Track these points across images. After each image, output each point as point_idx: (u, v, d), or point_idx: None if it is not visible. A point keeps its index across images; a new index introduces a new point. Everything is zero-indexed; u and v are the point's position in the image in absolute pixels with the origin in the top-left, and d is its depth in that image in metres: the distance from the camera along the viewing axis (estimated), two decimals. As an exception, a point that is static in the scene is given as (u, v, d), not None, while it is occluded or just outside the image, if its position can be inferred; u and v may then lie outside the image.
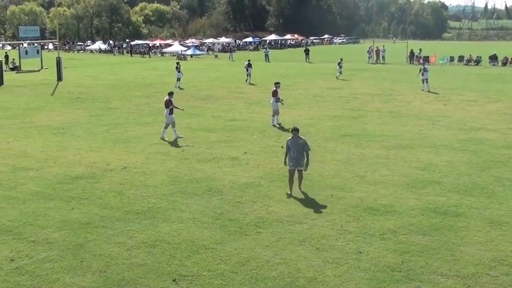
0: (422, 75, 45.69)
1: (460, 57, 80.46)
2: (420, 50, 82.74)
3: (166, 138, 26.42)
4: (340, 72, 55.74)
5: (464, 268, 12.59)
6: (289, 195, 17.63)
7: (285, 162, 18.04)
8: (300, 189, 17.95)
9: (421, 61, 75.11)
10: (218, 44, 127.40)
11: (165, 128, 26.91)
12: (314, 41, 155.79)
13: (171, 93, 27.75)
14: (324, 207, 16.62)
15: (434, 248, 13.62)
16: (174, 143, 25.62)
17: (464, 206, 16.74)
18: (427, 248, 13.65)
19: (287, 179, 18.00)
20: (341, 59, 57.52)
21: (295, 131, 17.70)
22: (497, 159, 22.66)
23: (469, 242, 14.05)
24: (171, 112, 26.75)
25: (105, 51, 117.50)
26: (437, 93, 43.60)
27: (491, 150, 24.27)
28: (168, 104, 26.89)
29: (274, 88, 30.66)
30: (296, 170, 17.77)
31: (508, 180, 19.57)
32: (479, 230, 14.88)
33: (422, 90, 45.14)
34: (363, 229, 14.85)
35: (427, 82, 45.63)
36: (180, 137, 26.59)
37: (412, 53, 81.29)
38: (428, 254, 13.31)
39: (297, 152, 17.51)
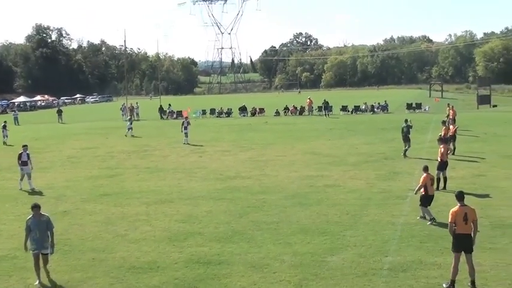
0: (185, 128, 46.49)
1: (211, 110, 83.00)
2: (169, 105, 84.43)
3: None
4: (130, 129, 55.18)
5: (230, 315, 12.78)
6: (39, 286, 15.21)
7: (25, 247, 15.42)
8: (49, 277, 15.51)
9: (174, 115, 76.71)
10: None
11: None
12: (66, 101, 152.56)
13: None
14: (86, 271, 16.09)
15: (200, 299, 13.71)
16: None
17: (226, 254, 17.10)
18: (193, 299, 13.71)
19: (32, 265, 15.52)
20: (131, 116, 57.07)
21: (36, 207, 15.24)
22: (254, 204, 23.52)
23: (233, 289, 14.33)
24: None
25: None
26: (193, 146, 44.51)
27: (248, 196, 25.15)
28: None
29: (21, 151, 29.33)
30: (40, 254, 15.23)
31: (265, 224, 20.34)
32: (242, 275, 15.26)
33: (184, 143, 45.83)
34: (128, 289, 14.57)
35: (187, 136, 46.51)
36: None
37: (161, 108, 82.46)
38: (195, 305, 13.37)
39: (40, 232, 15.08)
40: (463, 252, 14.08)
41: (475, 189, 24.79)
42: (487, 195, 23.75)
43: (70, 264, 16.78)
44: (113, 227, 20.82)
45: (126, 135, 54.31)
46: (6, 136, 51.46)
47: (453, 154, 33.72)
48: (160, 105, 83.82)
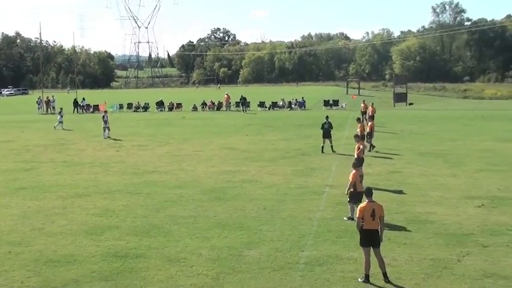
0: (105, 123, 46.01)
1: (128, 104, 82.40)
2: (83, 98, 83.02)
3: None
4: (61, 122, 54.52)
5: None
6: None
7: None
8: None
9: (91, 109, 75.70)
10: None
11: None
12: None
13: None
14: (2, 264, 15.86)
15: (118, 293, 13.71)
16: None
17: (143, 247, 17.09)
18: (110, 293, 13.69)
19: None
20: (61, 109, 56.38)
21: None
22: (171, 199, 23.53)
23: (151, 282, 14.37)
24: None
25: None
26: (110, 140, 44.14)
27: (165, 191, 25.14)
28: None
29: None
30: None
31: (182, 218, 20.40)
32: (160, 268, 15.29)
33: (107, 137, 45.51)
34: (44, 283, 14.43)
35: (108, 130, 46.19)
36: None
37: (75, 101, 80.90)
38: (112, 299, 13.36)
39: None
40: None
41: (391, 186, 25.43)
42: (401, 192, 24.35)
43: (-15, 259, 16.49)
44: (29, 221, 20.50)
45: (55, 128, 53.88)
46: None
47: (369, 151, 34.54)
48: (75, 99, 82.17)
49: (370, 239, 14.29)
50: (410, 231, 18.61)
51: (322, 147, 36.04)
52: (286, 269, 15.23)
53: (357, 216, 14.36)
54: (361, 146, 26.12)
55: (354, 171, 20.02)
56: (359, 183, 19.95)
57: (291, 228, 19.08)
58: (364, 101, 58.32)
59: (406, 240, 17.59)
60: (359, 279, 14.37)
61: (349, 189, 20.05)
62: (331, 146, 36.05)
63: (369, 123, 37.18)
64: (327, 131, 36.17)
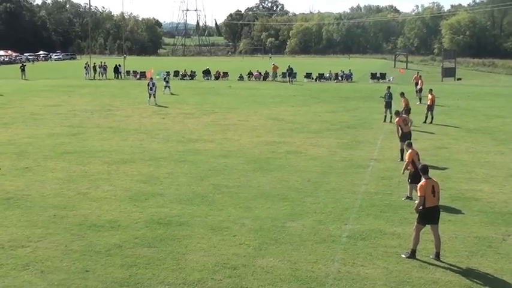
0: (151, 90, 46.25)
1: (175, 72, 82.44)
2: (119, 65, 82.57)
3: None
4: (168, 87, 56.44)
5: (189, 275, 12.88)
6: None
7: None
8: None
9: (138, 76, 76.06)
10: None
11: None
12: (29, 57, 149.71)
13: None
14: (47, 228, 16.04)
15: (160, 259, 13.79)
16: None
17: (186, 215, 17.16)
18: (153, 259, 13.77)
19: None
20: (167, 74, 57.77)
21: None
22: (215, 168, 23.56)
23: (193, 250, 14.42)
24: None
25: None
26: (156, 107, 44.34)
27: (209, 159, 25.18)
28: None
29: None
30: None
31: (226, 188, 20.43)
32: (202, 237, 15.33)
33: (148, 105, 45.70)
34: (88, 247, 14.57)
35: (154, 97, 46.49)
36: None
37: (116, 68, 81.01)
38: (155, 265, 13.44)
39: None
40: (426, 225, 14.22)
41: (436, 162, 25.04)
42: (447, 168, 24.01)
43: (31, 220, 16.74)
44: (74, 185, 20.75)
45: (164, 93, 54.57)
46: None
47: (431, 122, 36.23)
48: (115, 65, 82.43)
49: (430, 216, 14.07)
50: (455, 208, 18.35)
51: (385, 116, 37.43)
52: (328, 241, 15.15)
53: (420, 194, 13.95)
54: (395, 121, 25.60)
55: (409, 150, 19.11)
56: (417, 161, 18.56)
57: (334, 201, 18.97)
58: (418, 72, 58.03)
59: (450, 217, 17.32)
60: (402, 255, 14.21)
61: (405, 168, 19.13)
62: (385, 117, 37.28)
63: (430, 96, 37.18)
64: (388, 101, 37.29)
